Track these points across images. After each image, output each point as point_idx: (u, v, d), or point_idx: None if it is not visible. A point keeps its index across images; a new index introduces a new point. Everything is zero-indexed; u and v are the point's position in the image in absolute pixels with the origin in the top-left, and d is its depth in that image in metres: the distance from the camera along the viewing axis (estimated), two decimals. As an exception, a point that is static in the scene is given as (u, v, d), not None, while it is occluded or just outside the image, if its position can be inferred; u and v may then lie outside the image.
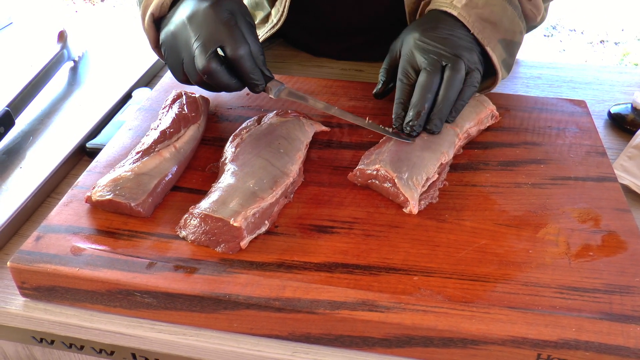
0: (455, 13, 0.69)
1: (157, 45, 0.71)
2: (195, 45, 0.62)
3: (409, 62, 0.67)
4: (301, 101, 0.67)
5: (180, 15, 0.65)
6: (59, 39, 0.89)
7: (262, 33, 0.90)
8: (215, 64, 0.62)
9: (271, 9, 0.90)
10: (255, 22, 0.92)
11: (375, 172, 0.60)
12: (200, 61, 0.62)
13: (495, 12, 0.70)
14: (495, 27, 0.70)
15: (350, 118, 0.67)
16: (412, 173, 0.59)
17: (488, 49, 0.69)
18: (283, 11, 0.86)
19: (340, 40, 0.94)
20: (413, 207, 0.58)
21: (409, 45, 0.68)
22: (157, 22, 0.70)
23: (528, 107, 0.76)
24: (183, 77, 0.67)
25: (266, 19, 0.92)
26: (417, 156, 0.61)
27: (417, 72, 0.66)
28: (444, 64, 0.65)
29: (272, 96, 0.66)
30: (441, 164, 0.62)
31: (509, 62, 0.73)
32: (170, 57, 0.67)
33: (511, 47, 0.72)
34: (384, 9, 0.87)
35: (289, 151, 0.62)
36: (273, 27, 0.88)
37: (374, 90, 0.74)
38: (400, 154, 0.61)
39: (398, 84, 0.68)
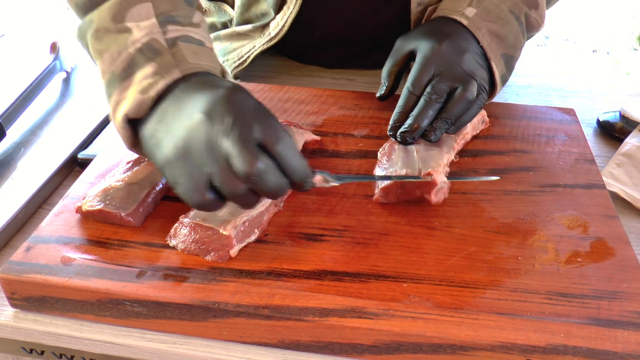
0: (465, 23, 0.69)
1: (134, 145, 0.55)
2: (231, 142, 0.46)
3: (423, 72, 0.67)
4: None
5: (183, 115, 0.49)
6: (52, 50, 0.90)
7: (259, 45, 0.88)
8: (264, 160, 0.46)
9: (271, 20, 0.87)
10: (250, 27, 0.91)
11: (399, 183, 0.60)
12: (243, 161, 0.45)
13: (503, 26, 0.71)
14: (501, 41, 0.71)
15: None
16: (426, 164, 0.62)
17: (493, 64, 0.69)
18: (284, 26, 0.84)
19: (332, 49, 0.94)
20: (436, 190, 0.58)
21: (425, 54, 0.68)
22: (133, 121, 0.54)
23: (517, 115, 0.77)
24: (207, 197, 0.48)
25: (262, 29, 0.90)
26: (424, 155, 0.64)
27: (428, 83, 0.66)
28: (457, 86, 0.65)
29: (333, 184, 0.54)
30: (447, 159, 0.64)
31: (506, 77, 0.73)
32: (185, 176, 0.48)
33: (510, 62, 0.73)
34: (379, 23, 0.87)
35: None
36: (270, 40, 0.86)
37: (378, 94, 0.73)
38: (411, 156, 0.63)
39: (405, 91, 0.67)
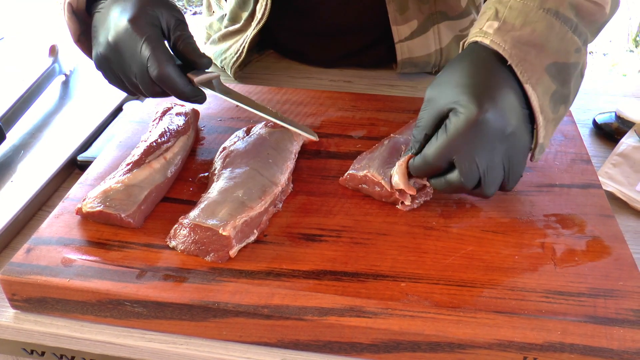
0: (487, 42, 0.55)
1: (78, 39, 0.70)
2: (146, 55, 0.60)
3: (444, 151, 0.55)
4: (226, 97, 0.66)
5: (114, 17, 0.62)
6: (51, 53, 0.90)
7: (250, 32, 0.89)
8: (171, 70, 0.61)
9: (255, 5, 0.89)
10: (240, 24, 0.92)
11: (364, 177, 0.61)
12: (145, 90, 0.62)
13: (538, 30, 0.55)
14: (541, 50, 0.55)
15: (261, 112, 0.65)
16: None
17: (527, 86, 0.54)
18: (266, 4, 0.85)
19: (329, 42, 0.95)
20: (405, 202, 0.59)
21: (458, 128, 0.54)
22: (78, 13, 0.68)
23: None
24: (132, 90, 0.65)
25: (251, 17, 0.91)
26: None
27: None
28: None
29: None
30: None
31: (563, 93, 0.57)
32: (115, 72, 0.64)
33: (565, 72, 0.56)
34: (369, 8, 0.87)
35: (278, 161, 0.63)
36: (258, 22, 0.88)
37: (407, 153, 0.60)
38: (392, 160, 0.62)
39: (419, 160, 0.58)
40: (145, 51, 0.60)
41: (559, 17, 0.56)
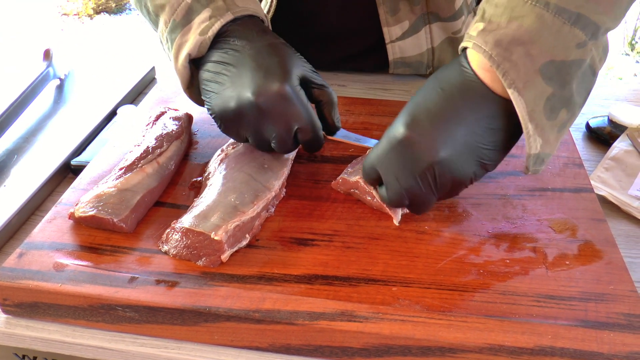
0: (470, 45, 0.51)
1: (188, 87, 0.66)
2: (272, 134, 0.60)
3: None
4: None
5: (239, 85, 0.59)
6: (45, 57, 0.90)
7: None
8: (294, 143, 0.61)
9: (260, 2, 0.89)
10: None
11: (356, 183, 0.61)
12: (280, 149, 0.61)
13: (525, 25, 0.49)
14: (530, 48, 0.49)
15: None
16: None
17: (511, 91, 0.49)
18: (271, 4, 0.86)
19: (328, 46, 0.95)
20: (394, 219, 0.59)
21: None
22: (194, 61, 0.65)
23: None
24: (257, 145, 0.63)
25: None
26: None
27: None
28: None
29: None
30: None
31: (564, 95, 0.50)
32: (230, 129, 0.63)
33: (564, 72, 0.50)
34: (367, 12, 0.87)
35: (274, 167, 0.63)
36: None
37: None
38: None
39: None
40: (302, 117, 0.59)
41: (550, 9, 0.48)
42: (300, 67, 0.62)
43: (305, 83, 0.62)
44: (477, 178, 0.55)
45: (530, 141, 0.51)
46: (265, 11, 0.88)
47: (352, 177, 0.62)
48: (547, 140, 0.52)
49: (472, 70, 0.52)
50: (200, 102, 0.66)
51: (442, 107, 0.53)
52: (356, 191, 0.62)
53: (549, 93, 0.50)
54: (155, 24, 0.67)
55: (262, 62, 0.60)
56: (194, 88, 0.66)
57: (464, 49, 0.54)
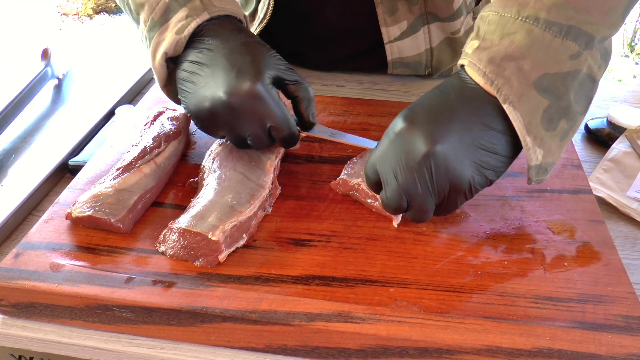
0: (466, 63, 0.53)
1: (166, 85, 0.67)
2: (247, 132, 0.61)
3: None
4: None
5: (212, 85, 0.60)
6: (43, 57, 0.90)
7: (252, 30, 0.90)
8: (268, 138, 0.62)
9: (257, 4, 0.90)
10: None
11: (357, 186, 0.61)
12: (256, 146, 0.62)
13: (517, 42, 0.50)
14: (523, 63, 0.50)
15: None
16: None
17: (506, 106, 0.50)
18: (269, 4, 0.86)
19: (327, 46, 0.95)
20: (394, 221, 0.59)
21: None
22: (173, 59, 0.65)
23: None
24: (234, 141, 0.64)
25: (252, 17, 0.92)
26: None
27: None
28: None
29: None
30: None
31: (561, 106, 0.51)
32: (207, 127, 0.64)
33: (559, 83, 0.50)
34: (366, 12, 0.87)
35: (259, 162, 0.63)
36: (260, 22, 0.89)
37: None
38: None
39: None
40: (275, 116, 0.60)
41: (540, 24, 0.50)
42: (273, 65, 0.62)
43: (279, 80, 0.62)
44: (476, 185, 0.53)
45: (530, 153, 0.52)
46: (262, 13, 0.88)
47: (353, 179, 0.62)
48: (549, 150, 0.52)
49: (473, 80, 0.53)
50: (177, 100, 0.68)
51: (439, 103, 0.53)
52: (355, 193, 0.62)
53: (546, 105, 0.50)
54: (136, 21, 0.67)
55: (235, 61, 0.60)
56: (171, 86, 0.67)
57: (462, 65, 0.55)
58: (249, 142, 0.62)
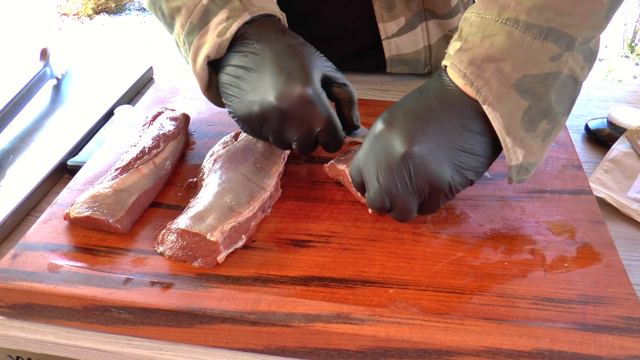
0: (448, 63, 0.54)
1: (207, 89, 0.65)
2: (294, 137, 0.60)
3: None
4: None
5: (261, 89, 0.59)
6: (42, 57, 0.90)
7: None
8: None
9: None
10: None
11: (342, 172, 0.63)
12: (302, 151, 0.61)
13: (497, 44, 0.50)
14: (502, 65, 0.50)
15: None
16: None
17: (485, 107, 0.51)
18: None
19: (326, 46, 0.94)
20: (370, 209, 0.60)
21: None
22: (212, 62, 0.63)
23: (506, 122, 0.77)
24: (278, 145, 0.62)
25: None
26: None
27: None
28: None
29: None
30: None
31: (541, 107, 0.51)
32: (252, 130, 0.62)
33: (539, 85, 0.51)
34: (365, 12, 0.87)
35: (266, 166, 0.63)
36: None
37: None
38: None
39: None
40: (324, 120, 0.59)
41: (519, 26, 0.50)
42: (322, 67, 0.61)
43: (326, 82, 0.61)
44: (457, 185, 0.54)
45: (510, 153, 0.52)
46: None
47: (341, 164, 0.63)
48: (530, 150, 0.53)
49: (453, 83, 0.53)
50: (219, 104, 0.66)
51: (418, 105, 0.54)
52: (341, 178, 0.63)
53: (526, 106, 0.51)
54: (170, 26, 0.66)
55: (283, 65, 0.59)
56: (212, 89, 0.65)
57: (445, 66, 0.55)
58: (294, 146, 0.61)
